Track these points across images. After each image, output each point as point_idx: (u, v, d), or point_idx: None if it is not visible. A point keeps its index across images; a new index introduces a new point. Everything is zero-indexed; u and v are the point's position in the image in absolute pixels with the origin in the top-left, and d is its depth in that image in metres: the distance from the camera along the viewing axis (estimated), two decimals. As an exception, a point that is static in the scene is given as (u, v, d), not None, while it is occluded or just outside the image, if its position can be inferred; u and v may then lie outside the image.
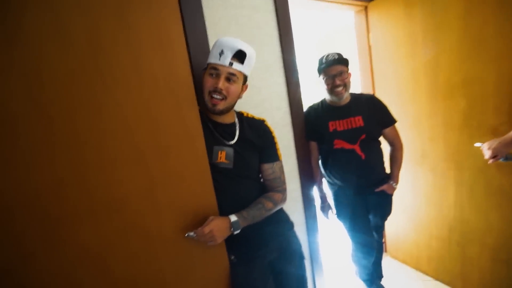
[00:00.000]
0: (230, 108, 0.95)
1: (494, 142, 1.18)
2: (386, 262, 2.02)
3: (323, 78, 1.38)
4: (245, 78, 0.95)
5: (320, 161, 1.54)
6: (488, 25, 1.28)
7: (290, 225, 1.10)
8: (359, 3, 1.82)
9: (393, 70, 1.76)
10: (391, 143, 1.48)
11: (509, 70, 1.24)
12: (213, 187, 0.92)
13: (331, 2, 1.69)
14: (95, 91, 0.70)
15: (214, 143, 0.94)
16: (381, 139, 1.50)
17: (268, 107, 1.34)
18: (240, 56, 0.89)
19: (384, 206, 1.51)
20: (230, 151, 0.95)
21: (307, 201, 1.48)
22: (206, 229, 0.82)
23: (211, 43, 1.13)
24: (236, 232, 0.87)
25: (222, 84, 0.87)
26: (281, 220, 1.07)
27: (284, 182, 1.05)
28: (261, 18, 1.28)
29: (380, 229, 1.59)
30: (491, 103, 1.32)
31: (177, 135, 0.84)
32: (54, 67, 0.65)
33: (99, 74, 0.71)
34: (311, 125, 1.44)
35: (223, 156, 0.94)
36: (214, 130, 0.95)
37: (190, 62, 1.09)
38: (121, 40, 0.73)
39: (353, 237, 1.50)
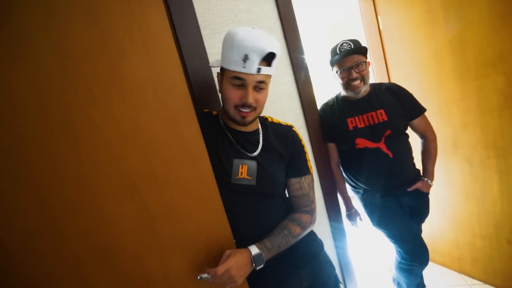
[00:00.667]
0: (259, 115, 0.81)
1: None
2: (423, 265, 1.82)
3: (337, 71, 1.21)
4: (270, 77, 0.80)
5: (340, 164, 1.36)
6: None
7: (321, 245, 0.93)
8: (364, -16, 1.65)
9: (410, 55, 1.58)
10: (422, 135, 1.30)
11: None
12: (225, 214, 0.76)
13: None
14: (67, 111, 0.55)
15: (234, 155, 0.79)
16: (409, 130, 1.32)
17: (278, 110, 1.18)
18: (268, 58, 0.71)
19: (420, 208, 1.31)
20: (253, 164, 0.79)
21: (332, 211, 1.30)
22: (221, 268, 0.65)
23: (206, 43, 0.98)
24: (259, 267, 0.71)
25: (252, 97, 0.72)
26: (311, 241, 0.90)
27: (313, 201, 0.88)
28: (260, 10, 1.13)
29: (416, 229, 1.39)
30: (537, 77, 1.13)
31: (175, 157, 0.69)
32: (15, 88, 0.51)
33: (71, 90, 0.56)
34: (328, 125, 1.27)
35: (244, 170, 0.78)
36: (234, 140, 0.80)
37: (184, 66, 0.95)
38: (95, 47, 0.58)
39: (405, 243, 1.26)
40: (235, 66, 0.70)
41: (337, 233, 1.32)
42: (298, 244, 0.83)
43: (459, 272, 1.69)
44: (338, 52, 1.18)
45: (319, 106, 1.34)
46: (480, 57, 1.28)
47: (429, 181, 1.25)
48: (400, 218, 1.25)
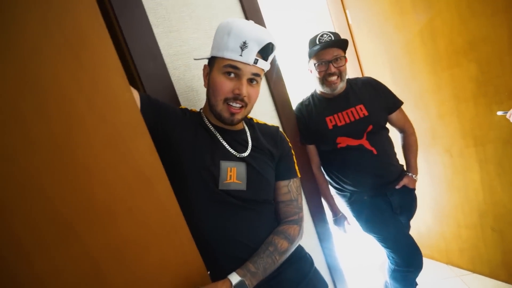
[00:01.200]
0: (247, 116, 0.75)
1: None
2: (412, 260, 1.79)
3: (314, 64, 1.12)
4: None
5: (322, 167, 1.27)
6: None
7: (310, 262, 0.83)
8: (330, -22, 1.60)
9: (382, 48, 1.55)
10: (401, 129, 1.25)
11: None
12: (193, 243, 0.63)
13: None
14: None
15: (221, 157, 0.68)
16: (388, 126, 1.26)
17: (251, 114, 1.06)
18: (265, 51, 0.67)
19: (409, 204, 1.25)
20: (242, 167, 0.69)
21: (318, 218, 1.21)
22: None
23: (161, 43, 0.85)
24: None
25: (245, 89, 0.66)
26: (299, 258, 0.80)
27: (301, 208, 0.80)
28: (221, 4, 1.01)
29: (406, 230, 1.34)
30: (508, 63, 1.12)
31: (123, 183, 0.55)
32: None
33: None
34: (305, 126, 1.18)
35: (233, 174, 0.68)
36: (222, 139, 0.70)
37: (136, 71, 0.82)
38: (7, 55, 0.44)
39: (397, 248, 1.18)
40: (231, 54, 0.64)
41: (325, 239, 1.23)
42: (285, 263, 0.73)
43: (447, 263, 1.68)
44: (318, 43, 1.10)
45: (294, 106, 1.25)
46: (451, 46, 1.26)
47: (413, 175, 1.20)
48: (392, 221, 1.18)
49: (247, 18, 1.06)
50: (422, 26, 1.33)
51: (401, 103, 1.21)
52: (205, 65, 0.73)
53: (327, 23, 1.78)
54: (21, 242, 0.44)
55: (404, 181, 1.18)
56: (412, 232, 1.79)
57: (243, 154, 0.71)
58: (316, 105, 1.20)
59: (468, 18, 1.18)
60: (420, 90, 1.45)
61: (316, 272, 0.82)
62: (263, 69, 0.69)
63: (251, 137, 0.76)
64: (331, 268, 1.26)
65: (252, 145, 0.74)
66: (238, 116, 0.68)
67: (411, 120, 1.32)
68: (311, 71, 1.19)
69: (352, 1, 1.61)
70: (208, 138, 0.70)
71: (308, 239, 1.19)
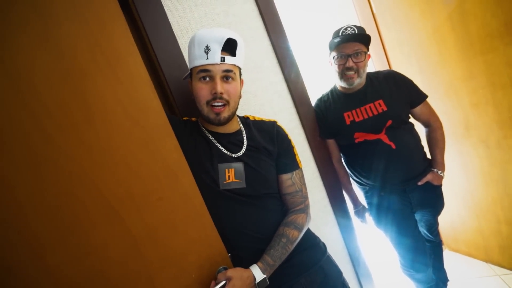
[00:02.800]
0: (235, 112, 0.78)
1: None
2: (446, 257, 1.71)
3: (334, 57, 1.13)
4: (240, 71, 0.79)
5: (343, 159, 1.29)
6: None
7: (323, 249, 0.87)
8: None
9: (409, 36, 1.48)
10: (426, 124, 1.20)
11: None
12: (215, 228, 0.72)
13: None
14: (30, 142, 0.54)
15: (219, 160, 0.76)
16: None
17: (269, 111, 1.13)
18: (229, 47, 0.72)
19: (433, 201, 1.21)
20: (239, 166, 0.76)
21: (339, 210, 1.24)
22: None
23: (185, 52, 0.95)
24: None
25: (220, 86, 0.71)
26: (312, 245, 0.85)
27: (306, 197, 0.84)
28: (239, 11, 1.08)
29: (433, 228, 1.30)
30: (551, 44, 1.02)
31: (154, 176, 0.66)
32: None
33: (32, 121, 0.54)
34: (324, 121, 1.20)
35: (232, 174, 0.75)
36: (218, 143, 0.77)
37: (164, 78, 0.93)
38: (55, 72, 0.56)
39: (400, 247, 1.21)
40: (199, 60, 0.70)
41: (346, 231, 1.26)
42: (297, 249, 0.79)
43: (486, 261, 1.58)
44: (340, 35, 1.10)
45: (313, 102, 1.28)
46: (485, 29, 1.18)
47: (439, 172, 1.15)
48: (402, 221, 1.17)
49: (264, 22, 1.12)
50: (451, 10, 1.26)
51: (425, 96, 1.16)
52: (188, 81, 0.79)
53: (351, 15, 1.74)
54: (80, 219, 0.57)
55: (428, 178, 1.14)
56: (447, 227, 1.73)
57: (238, 154, 0.76)
58: (335, 101, 1.21)
59: (503, -2, 1.09)
60: (450, 78, 1.37)
61: (329, 259, 0.86)
62: (234, 65, 0.73)
63: (246, 137, 0.80)
64: (353, 259, 1.28)
65: (248, 145, 0.78)
66: (224, 114, 0.73)
67: (441, 111, 1.26)
68: (330, 64, 1.19)
69: (376, -10, 1.57)
70: (206, 145, 0.77)
71: (328, 229, 1.23)
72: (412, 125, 1.19)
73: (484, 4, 1.15)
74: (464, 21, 1.23)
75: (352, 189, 1.29)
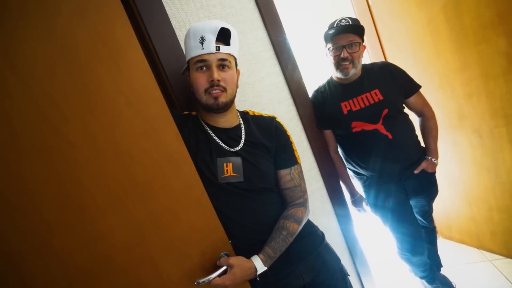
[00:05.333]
0: (233, 99, 0.80)
1: None
2: (440, 244, 1.76)
3: (329, 48, 1.16)
4: (235, 60, 0.81)
5: (340, 150, 1.32)
6: None
7: (321, 237, 0.90)
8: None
9: (404, 27, 1.50)
10: (420, 113, 1.24)
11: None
12: (215, 215, 0.75)
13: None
14: (37, 133, 0.55)
15: (218, 154, 0.78)
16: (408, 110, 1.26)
17: (267, 102, 1.15)
18: (223, 37, 0.74)
19: (427, 188, 1.25)
20: (238, 160, 0.78)
21: (336, 199, 1.27)
22: (227, 281, 0.66)
23: (182, 44, 0.96)
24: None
25: (217, 74, 0.73)
26: (308, 234, 0.88)
27: (305, 191, 0.87)
28: (236, 3, 1.09)
29: (428, 214, 1.34)
30: (542, 34, 1.04)
31: (157, 165, 0.68)
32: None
33: (39, 112, 0.55)
34: (321, 111, 1.23)
35: (230, 168, 0.77)
36: (216, 138, 0.79)
37: (163, 70, 0.94)
38: (58, 64, 0.58)
39: (397, 232, 1.26)
40: (196, 51, 0.73)
41: (344, 220, 1.29)
42: (295, 237, 0.82)
43: (478, 248, 1.63)
44: (335, 27, 1.13)
45: (310, 93, 1.29)
46: (478, 20, 1.20)
47: (433, 159, 1.19)
48: (399, 208, 1.21)
49: (261, 14, 1.13)
50: (445, 1, 1.27)
51: (418, 87, 1.19)
52: (186, 74, 0.80)
53: (347, 7, 1.75)
54: (86, 206, 0.59)
55: (423, 166, 1.18)
56: (440, 215, 1.78)
57: (236, 149, 0.78)
58: (332, 91, 1.23)
59: (495, -11, 1.11)
60: (445, 69, 1.40)
61: (327, 246, 0.89)
62: (229, 54, 0.76)
63: (245, 132, 0.82)
64: (350, 248, 1.32)
65: (246, 140, 0.80)
66: (222, 99, 0.75)
67: (436, 101, 1.29)
68: (326, 55, 1.22)
69: (372, -18, 1.58)
70: (205, 139, 0.79)
71: (326, 219, 1.26)
72: (406, 115, 1.23)
73: (477, -5, 1.16)
74: (458, 12, 1.25)
75: (349, 179, 1.32)
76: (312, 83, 1.37)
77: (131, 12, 0.92)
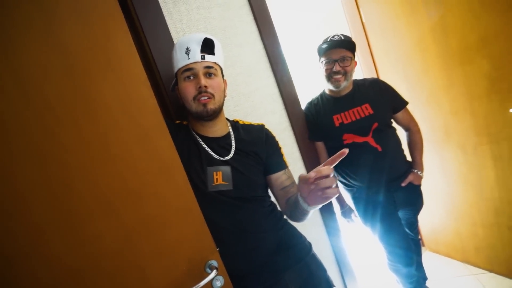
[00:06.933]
0: (221, 107, 0.83)
1: None
2: (426, 257, 1.79)
3: (323, 62, 1.22)
4: (221, 70, 0.84)
5: (331, 162, 1.35)
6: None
7: (308, 247, 0.92)
8: (343, -21, 1.64)
9: (395, 45, 1.56)
10: (406, 128, 1.30)
11: (538, 16, 1.03)
12: (205, 223, 0.76)
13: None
14: (32, 136, 0.56)
15: (208, 163, 0.79)
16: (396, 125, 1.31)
17: (262, 113, 1.18)
18: (208, 47, 0.78)
19: (414, 200, 1.30)
20: (227, 169, 0.80)
21: (325, 210, 1.29)
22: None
23: (180, 54, 0.98)
24: None
25: (204, 81, 0.76)
26: (297, 243, 0.89)
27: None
28: (234, 16, 1.13)
29: (414, 226, 1.37)
30: (519, 59, 1.11)
31: (149, 172, 0.69)
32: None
33: (34, 116, 0.57)
34: (314, 124, 1.26)
35: (219, 177, 0.79)
36: (206, 147, 0.81)
37: (161, 80, 0.96)
38: (57, 70, 0.59)
39: (387, 244, 1.28)
40: (182, 62, 0.77)
41: (332, 231, 1.31)
42: (282, 246, 0.83)
43: (463, 262, 1.66)
44: (328, 42, 1.19)
45: (304, 105, 1.33)
46: (463, 42, 1.26)
47: (419, 172, 1.24)
48: (389, 219, 1.24)
49: (258, 27, 1.17)
50: (433, 23, 1.34)
51: (406, 103, 1.26)
52: (176, 88, 0.83)
53: (342, 24, 1.81)
54: (77, 210, 0.59)
55: (410, 178, 1.22)
56: (427, 229, 1.81)
57: (226, 158, 0.80)
58: (324, 104, 1.27)
59: (480, 13, 1.17)
60: (432, 86, 1.46)
61: (314, 257, 0.91)
62: (214, 62, 0.79)
63: (235, 140, 0.84)
64: (338, 259, 1.33)
65: (236, 148, 0.83)
66: (211, 106, 0.77)
67: (423, 117, 1.35)
68: (320, 68, 1.27)
69: (366, 1, 1.64)
70: (196, 148, 0.81)
71: (315, 229, 1.28)
72: (394, 129, 1.27)
73: (463, 19, 1.23)
74: (445, 34, 1.32)
75: (339, 190, 1.35)
76: (306, 95, 1.41)
77: (132, 21, 0.95)
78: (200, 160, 0.79)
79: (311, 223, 1.26)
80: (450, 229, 1.67)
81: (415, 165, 1.26)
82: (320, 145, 1.29)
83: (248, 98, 1.15)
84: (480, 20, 1.18)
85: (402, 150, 1.29)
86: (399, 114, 1.26)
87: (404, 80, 1.55)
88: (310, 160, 1.27)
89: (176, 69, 0.79)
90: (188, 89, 0.77)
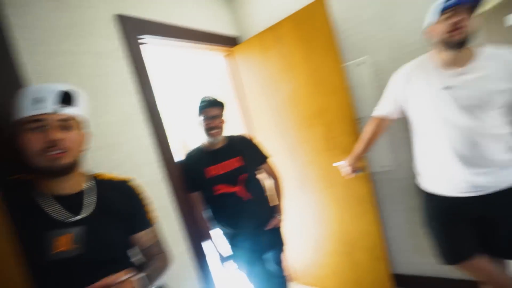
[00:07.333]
0: (77, 162, 0.75)
1: (349, 159, 1.37)
2: (299, 290, 2.01)
3: (202, 118, 1.36)
4: (83, 122, 0.77)
5: (209, 211, 1.42)
6: (322, 67, 1.55)
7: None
8: (226, 48, 1.92)
9: (266, 105, 1.89)
10: (271, 176, 1.56)
11: (344, 100, 1.51)
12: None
13: (200, 47, 1.72)
14: None
15: (47, 227, 0.68)
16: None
17: (135, 164, 1.15)
18: (66, 98, 0.71)
19: (277, 240, 1.51)
20: (79, 231, 0.70)
21: (201, 263, 1.30)
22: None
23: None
24: None
25: (54, 134, 0.67)
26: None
27: (163, 243, 0.92)
28: (111, 65, 1.12)
29: (280, 264, 1.56)
30: (339, 127, 1.57)
31: None
32: None
33: None
34: (189, 175, 1.34)
35: (65, 242, 0.68)
36: (50, 208, 0.70)
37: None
38: None
39: (254, 283, 1.40)
40: (28, 111, 0.67)
41: (207, 285, 1.32)
42: None
43: (322, 288, 1.96)
44: (205, 101, 1.36)
45: (184, 156, 1.39)
46: (309, 111, 1.68)
47: (279, 216, 1.49)
48: (257, 261, 1.38)
49: (135, 79, 1.19)
50: (290, 93, 1.73)
51: (267, 157, 1.54)
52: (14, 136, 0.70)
53: (226, 87, 2.06)
54: None
55: (273, 223, 1.45)
56: (298, 264, 2.06)
57: (78, 217, 0.71)
58: (199, 157, 1.39)
59: (315, 94, 1.62)
60: (294, 140, 1.81)
61: None
62: (72, 115, 0.72)
63: (93, 197, 0.77)
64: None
65: (97, 206, 0.76)
66: (64, 160, 0.69)
67: (287, 167, 1.63)
68: (200, 123, 1.39)
69: (243, 67, 1.94)
70: (33, 212, 0.68)
71: (188, 284, 1.25)
72: (260, 179, 1.49)
73: (307, 94, 1.66)
74: (297, 103, 1.72)
75: (215, 237, 1.40)
76: (184, 145, 1.48)
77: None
78: (36, 225, 0.68)
79: (185, 277, 1.24)
80: (311, 261, 1.97)
81: (276, 210, 1.50)
82: (195, 195, 1.36)
83: (121, 148, 1.10)
84: (316, 98, 1.62)
85: (267, 197, 1.51)
86: (264, 166, 1.51)
87: (275, 133, 1.87)
88: (186, 213, 1.29)
89: (20, 116, 0.68)
90: (34, 142, 0.66)
